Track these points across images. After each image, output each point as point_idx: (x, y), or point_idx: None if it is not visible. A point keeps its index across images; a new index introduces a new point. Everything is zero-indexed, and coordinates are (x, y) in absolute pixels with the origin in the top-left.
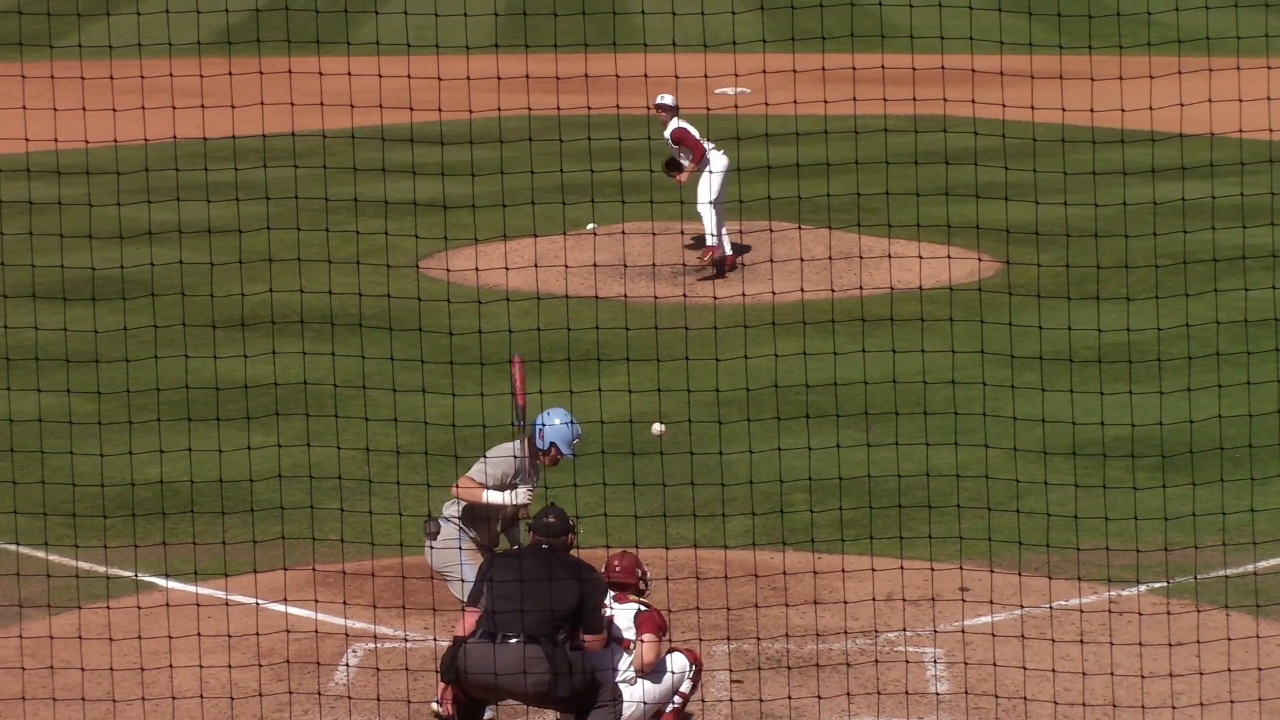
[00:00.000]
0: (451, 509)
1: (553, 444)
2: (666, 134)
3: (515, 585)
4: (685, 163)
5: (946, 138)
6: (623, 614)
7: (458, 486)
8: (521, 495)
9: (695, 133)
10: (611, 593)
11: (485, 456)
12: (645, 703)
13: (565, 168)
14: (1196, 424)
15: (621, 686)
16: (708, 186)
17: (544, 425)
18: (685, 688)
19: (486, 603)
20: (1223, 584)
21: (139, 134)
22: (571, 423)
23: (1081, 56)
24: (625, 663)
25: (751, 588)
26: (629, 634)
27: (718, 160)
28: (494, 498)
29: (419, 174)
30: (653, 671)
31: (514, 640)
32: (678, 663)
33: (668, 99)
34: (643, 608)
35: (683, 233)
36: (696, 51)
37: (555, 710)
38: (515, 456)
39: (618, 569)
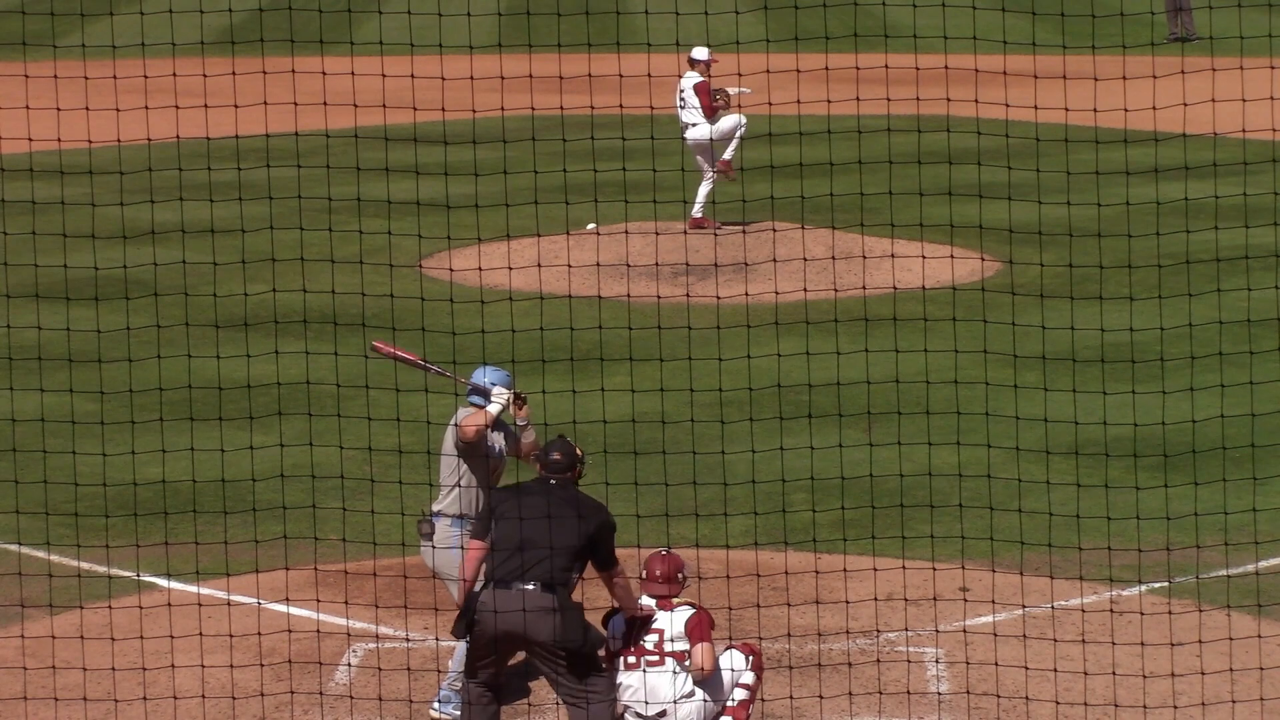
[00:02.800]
0: (443, 503)
1: (499, 392)
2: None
3: (524, 526)
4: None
5: (949, 137)
6: (673, 621)
7: (462, 429)
8: (503, 392)
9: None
10: (654, 602)
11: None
12: (706, 700)
13: (568, 167)
14: (1199, 424)
15: (679, 704)
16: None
17: (484, 385)
18: (748, 679)
19: (496, 544)
20: (1224, 584)
21: (142, 134)
22: (494, 376)
23: (1085, 56)
24: (684, 681)
25: (753, 587)
26: (682, 645)
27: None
28: (495, 407)
29: (422, 174)
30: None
31: (530, 587)
32: (736, 660)
33: (701, 53)
34: (687, 612)
35: (685, 232)
36: None
37: (558, 666)
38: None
39: (660, 577)
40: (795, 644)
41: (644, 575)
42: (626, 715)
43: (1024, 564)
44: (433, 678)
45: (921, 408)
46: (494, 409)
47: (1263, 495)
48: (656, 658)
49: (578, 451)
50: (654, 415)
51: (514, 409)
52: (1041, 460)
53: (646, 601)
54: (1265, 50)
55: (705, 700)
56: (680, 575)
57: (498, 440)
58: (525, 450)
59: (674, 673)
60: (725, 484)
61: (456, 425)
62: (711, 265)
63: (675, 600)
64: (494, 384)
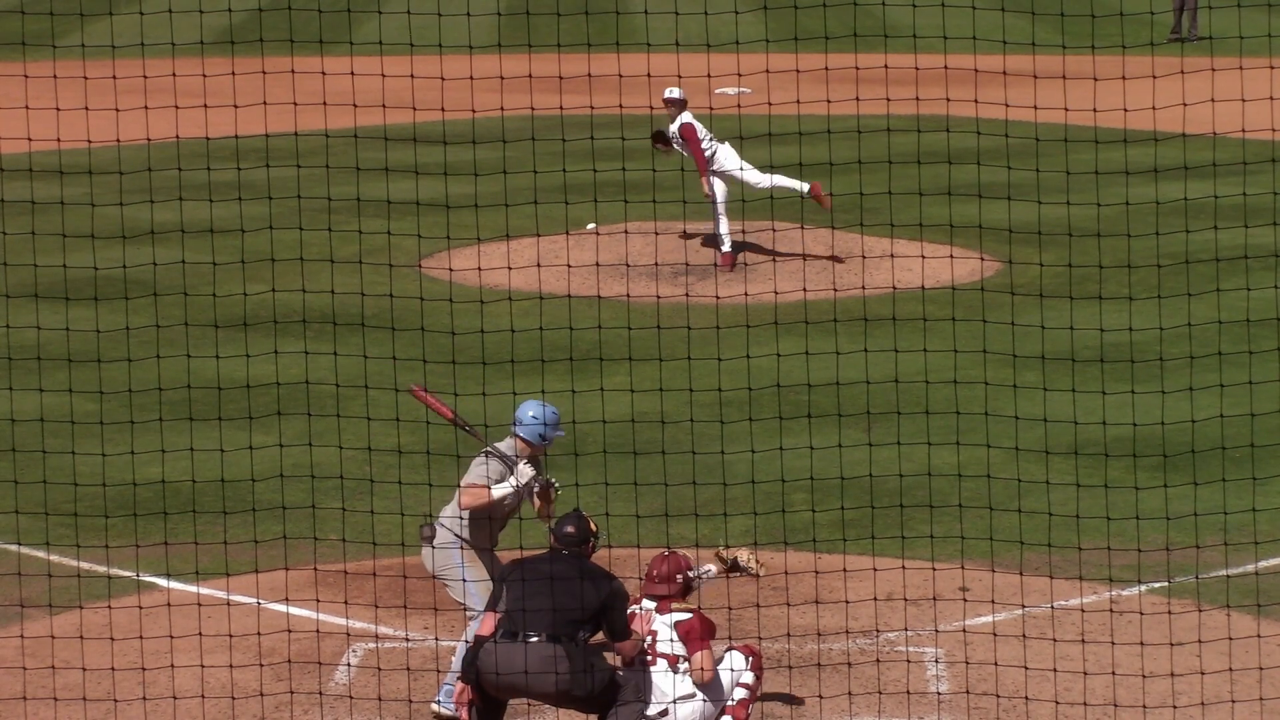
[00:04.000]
0: (448, 511)
1: (540, 437)
2: (674, 128)
3: (534, 587)
4: (680, 151)
5: (949, 137)
6: (663, 626)
7: (463, 494)
8: (525, 473)
9: (701, 131)
10: (652, 604)
11: (476, 458)
12: (705, 701)
13: (568, 167)
14: (1198, 424)
15: (679, 704)
16: (724, 187)
17: (518, 427)
18: (747, 679)
19: (505, 604)
20: (1224, 584)
21: (141, 134)
22: (538, 419)
23: (1084, 56)
24: (684, 681)
25: (753, 587)
26: (674, 647)
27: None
28: (500, 491)
29: (421, 173)
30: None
31: (535, 639)
32: (736, 660)
33: (675, 92)
34: (681, 616)
35: (685, 233)
36: (699, 51)
37: (574, 709)
38: (506, 453)
39: (656, 577)
40: (795, 644)
41: (645, 576)
42: None
43: (1024, 564)
44: (432, 677)
45: (921, 408)
46: (499, 492)
47: (1262, 495)
48: (649, 658)
49: (592, 527)
50: (653, 415)
51: (536, 505)
52: (1041, 460)
53: (647, 604)
54: (1265, 50)
55: (705, 700)
56: (679, 576)
57: (528, 473)
58: (538, 510)
59: (669, 673)
60: (725, 484)
61: (479, 458)
62: (711, 265)
63: (675, 605)
64: (535, 418)
